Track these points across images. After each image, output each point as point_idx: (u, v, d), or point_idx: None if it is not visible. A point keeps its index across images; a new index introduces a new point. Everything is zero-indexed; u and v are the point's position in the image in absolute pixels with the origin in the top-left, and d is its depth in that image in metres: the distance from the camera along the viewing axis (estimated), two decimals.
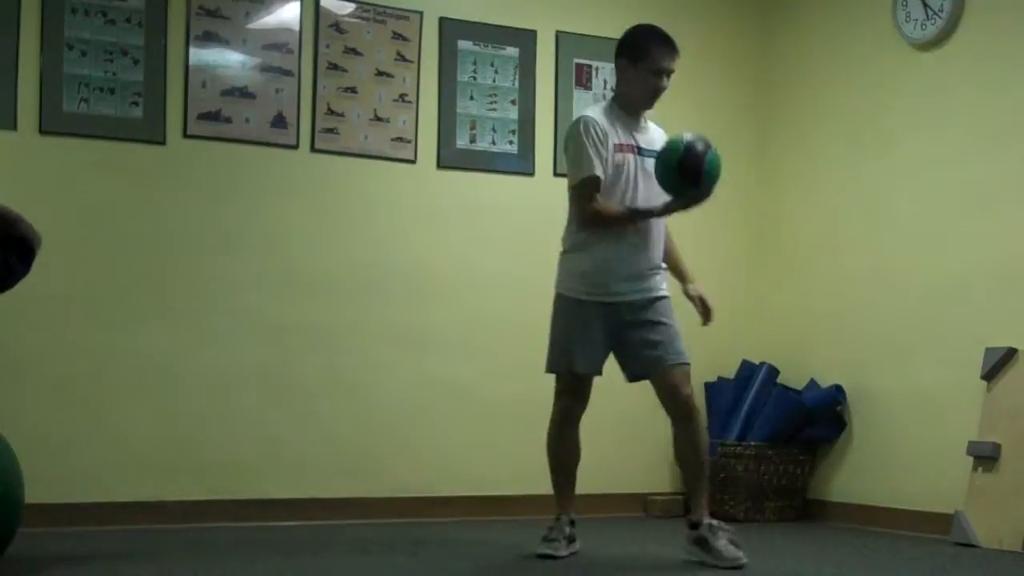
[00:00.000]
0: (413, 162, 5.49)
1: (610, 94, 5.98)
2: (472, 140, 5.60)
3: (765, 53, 6.24)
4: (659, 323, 4.12)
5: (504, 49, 5.68)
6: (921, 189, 5.30)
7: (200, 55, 5.11)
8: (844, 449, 5.64)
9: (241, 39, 5.19)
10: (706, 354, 5.25)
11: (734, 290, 6.00)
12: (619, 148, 4.15)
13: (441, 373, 5.46)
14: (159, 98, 5.03)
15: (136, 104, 5.00)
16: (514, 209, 5.66)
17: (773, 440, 5.62)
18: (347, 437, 5.28)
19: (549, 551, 4.14)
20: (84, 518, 4.78)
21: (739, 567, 3.91)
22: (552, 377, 4.37)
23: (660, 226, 4.24)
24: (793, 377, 5.82)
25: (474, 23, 5.62)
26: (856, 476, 5.55)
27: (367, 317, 5.35)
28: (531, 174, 5.71)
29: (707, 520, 4.06)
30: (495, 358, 5.56)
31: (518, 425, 5.56)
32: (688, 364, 4.15)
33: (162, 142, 5.05)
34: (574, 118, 4.37)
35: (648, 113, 4.32)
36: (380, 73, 5.43)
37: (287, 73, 5.26)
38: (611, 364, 4.31)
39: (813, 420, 5.59)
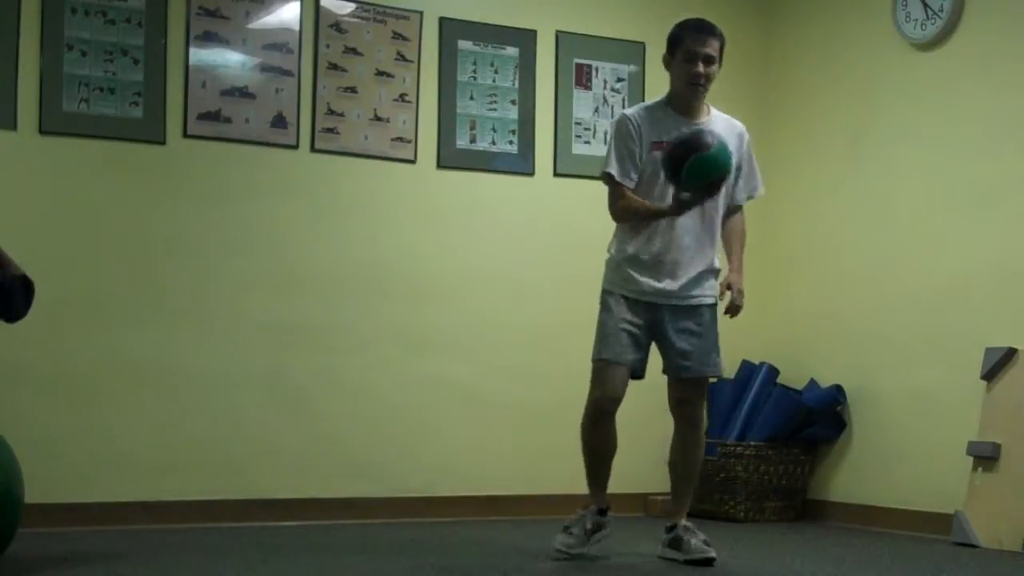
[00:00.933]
0: (413, 162, 5.49)
1: (612, 94, 5.99)
2: (472, 140, 5.60)
3: (765, 53, 6.24)
4: (694, 333, 4.10)
5: (504, 49, 5.68)
6: (921, 189, 5.30)
7: (200, 55, 5.11)
8: (844, 449, 5.64)
9: (241, 39, 5.19)
10: None
11: None
12: (656, 146, 4.04)
13: (441, 373, 5.46)
14: (159, 98, 5.03)
15: (136, 104, 5.00)
16: (514, 209, 5.66)
17: (773, 440, 5.62)
18: (347, 437, 5.28)
19: (562, 548, 4.10)
20: (84, 518, 4.78)
21: (709, 561, 3.99)
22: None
23: (706, 225, 4.12)
24: (793, 377, 5.82)
25: (474, 23, 5.62)
26: (856, 476, 5.55)
27: (367, 317, 5.35)
28: (531, 174, 5.71)
29: (683, 522, 4.12)
30: (495, 358, 5.56)
31: (518, 425, 5.56)
32: (713, 377, 4.22)
33: (162, 142, 5.05)
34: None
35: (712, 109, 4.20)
36: (380, 73, 5.43)
37: (287, 73, 5.26)
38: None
39: (813, 420, 5.58)
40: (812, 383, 5.72)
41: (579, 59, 5.83)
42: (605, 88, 5.83)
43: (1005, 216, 4.90)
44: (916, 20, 5.30)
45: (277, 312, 5.19)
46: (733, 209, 4.27)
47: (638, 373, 4.13)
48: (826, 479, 5.72)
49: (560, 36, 5.79)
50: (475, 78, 5.62)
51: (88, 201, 4.94)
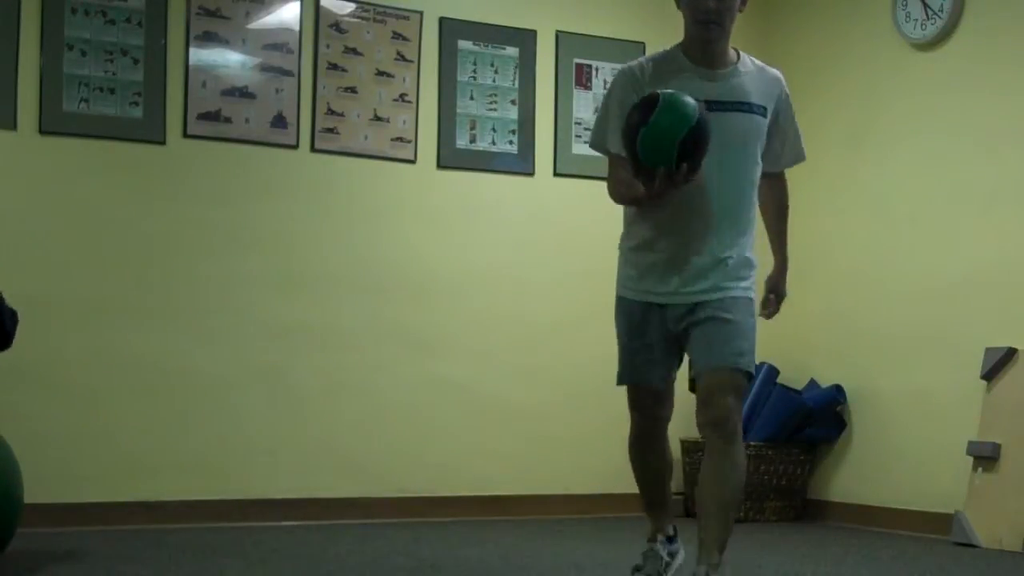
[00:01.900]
0: (413, 162, 5.49)
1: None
2: (472, 140, 5.60)
3: (765, 53, 6.21)
4: (715, 319, 3.20)
5: (504, 49, 5.68)
6: (921, 189, 5.30)
7: (200, 55, 5.11)
8: (844, 449, 5.64)
9: (241, 39, 5.19)
10: None
11: None
12: None
13: (441, 373, 5.46)
14: (159, 98, 5.03)
15: (136, 104, 5.00)
16: (514, 209, 5.66)
17: (773, 440, 5.62)
18: (347, 437, 5.28)
19: None
20: (84, 518, 4.78)
21: None
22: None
23: (726, 202, 3.25)
24: (793, 377, 5.82)
25: (474, 23, 5.62)
26: (856, 476, 5.55)
27: (367, 317, 5.35)
28: (531, 174, 5.71)
29: (705, 569, 3.12)
30: (495, 358, 5.56)
31: (518, 425, 5.56)
32: (742, 371, 3.20)
33: (162, 142, 5.05)
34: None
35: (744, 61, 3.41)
36: (380, 73, 5.43)
37: (287, 73, 5.26)
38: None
39: (813, 420, 5.59)
40: (812, 383, 5.72)
41: (579, 59, 5.83)
42: (605, 88, 5.82)
43: (1005, 216, 4.90)
44: (916, 20, 5.30)
45: (277, 312, 5.19)
46: (771, 177, 3.50)
47: (667, 384, 3.39)
48: (826, 479, 5.72)
49: (560, 36, 5.79)
50: (475, 78, 5.62)
51: (88, 201, 4.95)
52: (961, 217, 5.11)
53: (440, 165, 5.54)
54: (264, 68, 5.22)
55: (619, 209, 3.39)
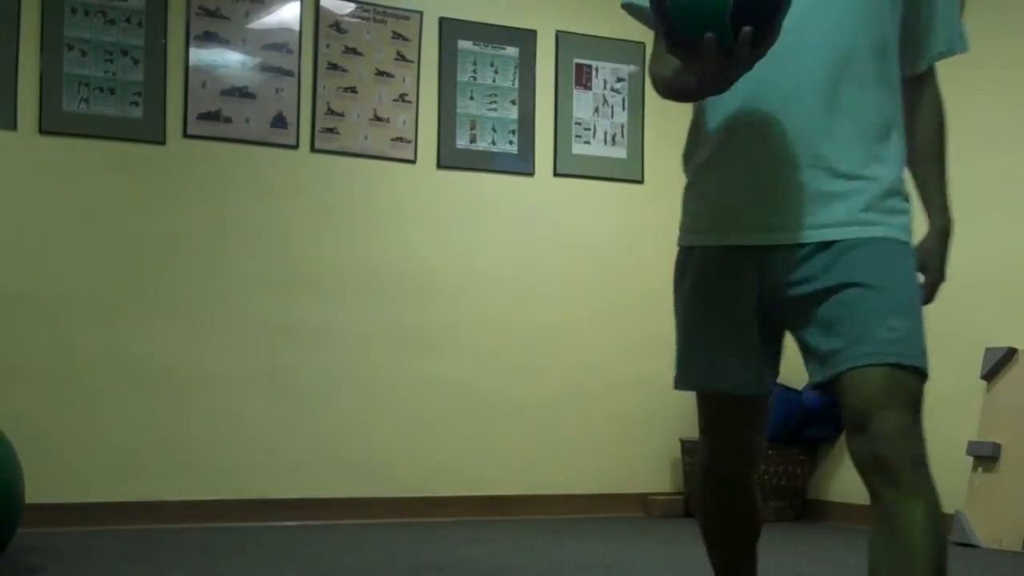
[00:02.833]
0: (413, 162, 5.49)
1: (612, 94, 5.97)
2: (472, 140, 5.60)
3: None
4: (842, 286, 2.05)
5: (504, 49, 5.68)
6: None
7: (200, 55, 5.11)
8: (844, 449, 5.63)
9: (241, 39, 5.19)
10: None
11: None
12: None
13: (441, 373, 5.46)
14: (159, 98, 5.03)
15: (136, 104, 5.00)
16: (514, 209, 5.66)
17: (773, 440, 5.61)
18: (347, 437, 5.28)
19: None
20: (84, 518, 4.78)
21: None
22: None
23: (838, 94, 2.03)
24: (793, 377, 5.81)
25: (474, 23, 5.62)
26: (856, 476, 5.50)
27: (367, 317, 5.35)
28: (531, 174, 5.71)
29: None
30: (495, 358, 5.56)
31: (518, 425, 5.56)
32: (909, 367, 2.03)
33: (162, 142, 5.05)
34: None
35: None
36: (380, 73, 5.43)
37: (287, 73, 5.26)
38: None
39: (813, 420, 5.59)
40: None
41: (579, 59, 5.83)
42: (605, 88, 5.83)
43: (1004, 216, 4.90)
44: None
45: (277, 312, 5.19)
46: (915, 82, 2.41)
47: (759, 388, 2.29)
48: (826, 479, 5.72)
49: (560, 36, 5.79)
50: (475, 78, 5.62)
51: (88, 201, 4.95)
52: (960, 217, 5.05)
53: (440, 165, 5.54)
54: (264, 68, 5.22)
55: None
